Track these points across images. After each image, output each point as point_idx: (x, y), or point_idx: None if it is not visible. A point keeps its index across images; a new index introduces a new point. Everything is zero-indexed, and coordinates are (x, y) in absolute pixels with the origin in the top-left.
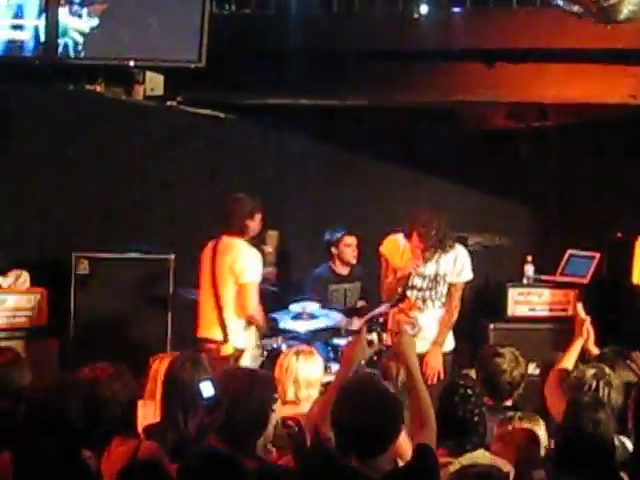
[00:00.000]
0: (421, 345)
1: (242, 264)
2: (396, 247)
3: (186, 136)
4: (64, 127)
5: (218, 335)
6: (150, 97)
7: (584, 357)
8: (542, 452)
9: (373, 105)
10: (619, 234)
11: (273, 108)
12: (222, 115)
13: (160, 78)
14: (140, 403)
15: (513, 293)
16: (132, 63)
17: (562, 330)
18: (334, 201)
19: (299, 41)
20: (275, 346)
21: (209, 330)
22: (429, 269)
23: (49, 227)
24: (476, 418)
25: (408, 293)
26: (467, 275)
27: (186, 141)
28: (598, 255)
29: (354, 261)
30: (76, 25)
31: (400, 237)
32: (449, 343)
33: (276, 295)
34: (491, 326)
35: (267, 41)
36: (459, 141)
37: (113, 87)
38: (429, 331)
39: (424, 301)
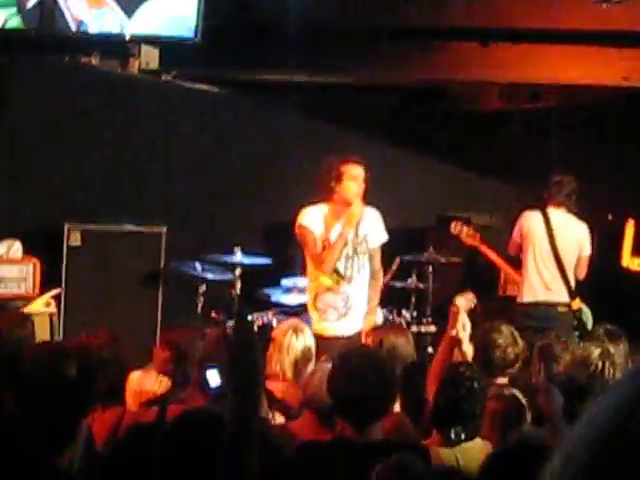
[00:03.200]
0: (354, 325)
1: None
2: (321, 216)
3: (181, 110)
4: (59, 99)
5: None
6: (145, 71)
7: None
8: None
9: (366, 82)
10: (610, 216)
11: (267, 84)
12: (217, 90)
13: (156, 52)
14: (139, 373)
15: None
16: (128, 37)
17: None
18: None
19: (294, 17)
20: (266, 320)
21: None
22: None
23: (43, 197)
24: (478, 411)
25: (337, 265)
26: (384, 236)
27: (181, 115)
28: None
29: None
30: None
31: (315, 213)
32: (379, 316)
33: (268, 270)
34: (478, 307)
35: (262, 17)
36: (451, 121)
37: (108, 60)
38: (360, 307)
39: (353, 272)
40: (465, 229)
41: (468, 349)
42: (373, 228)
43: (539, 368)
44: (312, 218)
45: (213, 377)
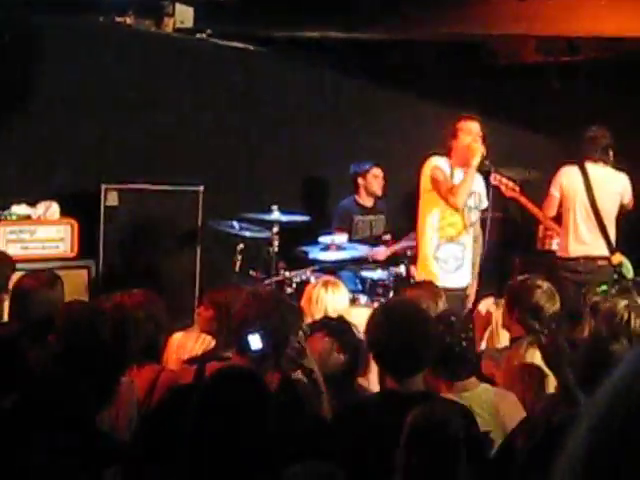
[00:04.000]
0: (467, 277)
1: None
2: (443, 170)
3: (216, 69)
4: (94, 59)
5: None
6: (180, 30)
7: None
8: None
9: (401, 37)
10: None
11: (303, 41)
12: (252, 48)
13: (190, 11)
14: (181, 334)
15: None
16: None
17: None
18: (364, 135)
19: None
20: (304, 277)
21: None
22: (474, 184)
23: (79, 159)
24: (464, 343)
25: (464, 211)
26: (486, 201)
27: (216, 74)
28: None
29: (380, 192)
30: None
31: (441, 160)
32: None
33: (306, 227)
34: (517, 260)
35: None
36: (488, 74)
37: (143, 19)
38: (468, 260)
39: (470, 224)
40: (505, 180)
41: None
42: (483, 191)
43: (589, 325)
44: (441, 162)
45: (255, 341)
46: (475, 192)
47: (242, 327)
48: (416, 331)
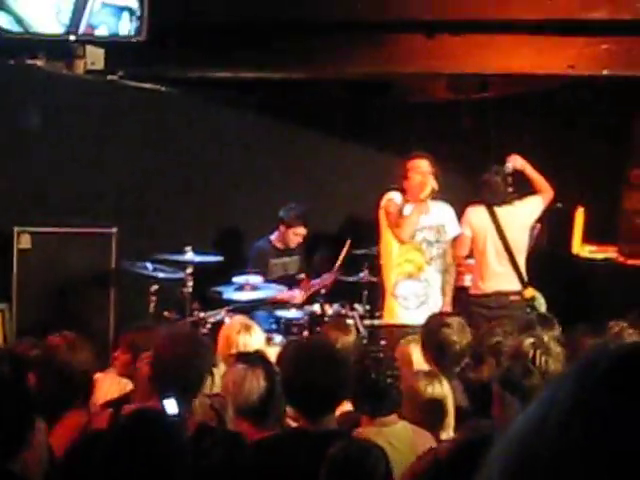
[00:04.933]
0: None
1: None
2: (396, 202)
3: (127, 110)
4: (4, 101)
5: None
6: (91, 71)
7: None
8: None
9: (313, 77)
10: (559, 204)
11: (214, 81)
12: (163, 89)
13: (101, 52)
14: (99, 375)
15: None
16: (72, 37)
17: None
18: (274, 174)
19: (238, 14)
20: (219, 318)
21: None
22: (432, 219)
23: None
24: (389, 380)
25: (423, 247)
26: (458, 229)
27: (127, 115)
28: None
29: (293, 247)
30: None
31: (396, 194)
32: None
33: (219, 268)
34: None
35: (207, 14)
36: (399, 113)
37: (54, 62)
38: (435, 297)
39: (431, 259)
40: None
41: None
42: (449, 220)
43: (489, 364)
44: (395, 195)
45: (171, 405)
46: (434, 226)
47: (160, 371)
48: (323, 370)
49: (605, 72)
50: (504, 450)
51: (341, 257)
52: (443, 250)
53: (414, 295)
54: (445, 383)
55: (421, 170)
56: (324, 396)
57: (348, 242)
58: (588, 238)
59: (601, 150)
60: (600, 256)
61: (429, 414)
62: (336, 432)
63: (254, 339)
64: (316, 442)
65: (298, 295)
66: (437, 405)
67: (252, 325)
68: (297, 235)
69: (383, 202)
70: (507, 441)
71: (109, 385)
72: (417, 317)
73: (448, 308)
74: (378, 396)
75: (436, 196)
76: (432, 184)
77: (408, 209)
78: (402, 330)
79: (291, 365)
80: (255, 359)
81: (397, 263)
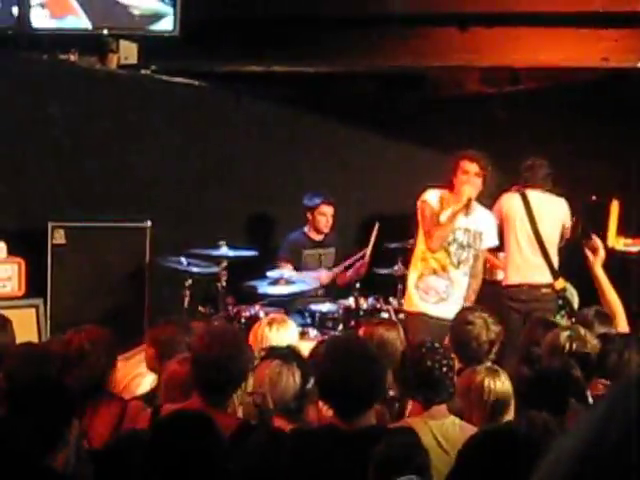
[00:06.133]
0: (450, 312)
1: None
2: (438, 198)
3: (160, 104)
4: (39, 97)
5: None
6: (124, 66)
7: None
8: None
9: (345, 71)
10: (594, 197)
11: (246, 76)
12: (196, 83)
13: (134, 47)
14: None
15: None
16: (106, 32)
17: None
18: (307, 168)
19: (270, 8)
20: (253, 312)
21: None
22: (471, 222)
23: (26, 196)
24: (444, 369)
25: (450, 248)
26: (495, 242)
27: (160, 109)
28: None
29: (326, 230)
30: None
31: (433, 195)
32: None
33: (254, 262)
34: None
35: (239, 9)
36: (432, 106)
37: (87, 56)
38: (460, 296)
39: (459, 262)
40: None
41: None
42: (489, 229)
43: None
44: (433, 196)
45: None
46: (470, 230)
47: (200, 372)
48: (359, 370)
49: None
50: (554, 467)
51: (371, 242)
52: (474, 255)
53: (435, 290)
54: (505, 378)
55: (469, 173)
56: (360, 397)
57: (376, 226)
58: (623, 231)
59: (636, 143)
60: (635, 249)
61: (490, 411)
62: (371, 430)
63: (286, 335)
64: (352, 441)
65: (325, 276)
66: (499, 402)
67: (286, 320)
68: (323, 215)
69: (419, 202)
70: (558, 456)
71: (126, 369)
72: (434, 310)
73: None
74: (433, 385)
75: (481, 198)
76: (469, 193)
77: (444, 215)
78: (419, 318)
79: (326, 365)
80: (289, 355)
81: (424, 257)
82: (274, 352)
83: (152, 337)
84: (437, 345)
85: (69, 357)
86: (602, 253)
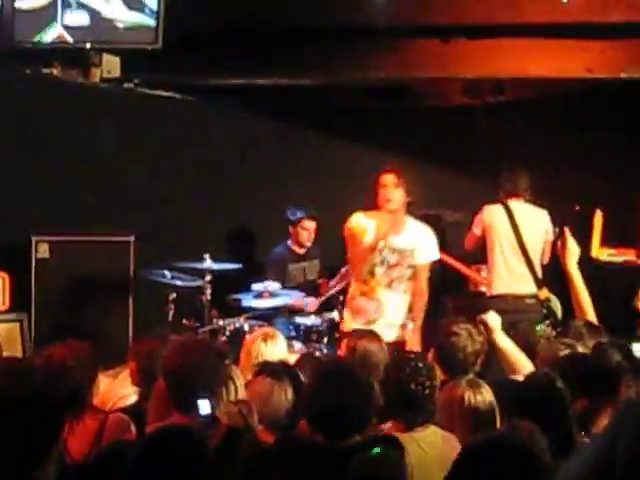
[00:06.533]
0: (389, 333)
1: None
2: (363, 224)
3: (144, 117)
4: (21, 111)
5: None
6: (107, 79)
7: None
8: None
9: (330, 83)
10: (577, 207)
11: (230, 89)
12: (179, 96)
13: (117, 60)
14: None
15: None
16: (88, 46)
17: None
18: (291, 180)
19: (254, 21)
20: (237, 325)
21: None
22: (400, 241)
23: (9, 210)
24: (427, 392)
25: (376, 270)
26: (435, 255)
27: (143, 123)
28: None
29: (309, 244)
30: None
31: (358, 220)
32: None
33: (238, 275)
34: (449, 303)
35: (223, 22)
36: (415, 118)
37: (70, 70)
38: (394, 316)
39: (391, 281)
40: None
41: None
42: (423, 244)
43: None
44: (357, 221)
45: (204, 406)
46: (399, 249)
47: (172, 384)
48: (350, 401)
49: (623, 75)
50: None
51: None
52: (405, 274)
53: (364, 312)
54: (487, 391)
55: (386, 187)
56: (351, 426)
57: None
58: (607, 241)
59: (619, 153)
60: (619, 259)
61: (473, 424)
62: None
63: (278, 349)
64: (332, 458)
65: (312, 303)
66: (481, 415)
67: (277, 333)
68: (305, 229)
69: (345, 229)
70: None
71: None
72: None
73: (417, 334)
74: (415, 408)
75: (412, 210)
76: (395, 199)
77: (370, 236)
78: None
79: (317, 396)
80: (281, 371)
81: (357, 279)
82: (266, 368)
83: (133, 351)
84: (421, 365)
85: (50, 371)
86: (575, 249)
